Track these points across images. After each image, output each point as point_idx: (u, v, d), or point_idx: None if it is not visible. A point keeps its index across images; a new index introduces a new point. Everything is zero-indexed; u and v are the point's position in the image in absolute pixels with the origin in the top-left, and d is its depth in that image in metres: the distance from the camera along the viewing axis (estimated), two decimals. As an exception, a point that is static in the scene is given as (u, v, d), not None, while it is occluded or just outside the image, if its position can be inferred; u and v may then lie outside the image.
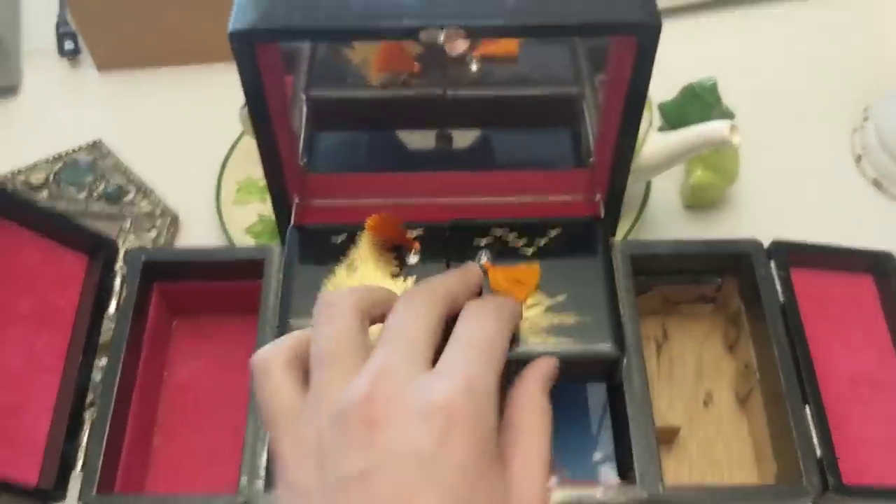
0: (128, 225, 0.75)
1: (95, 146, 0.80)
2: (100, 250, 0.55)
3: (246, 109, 0.72)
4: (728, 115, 0.75)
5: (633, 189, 0.73)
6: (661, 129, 0.77)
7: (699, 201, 0.76)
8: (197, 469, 0.54)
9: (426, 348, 0.36)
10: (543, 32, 0.44)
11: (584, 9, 0.41)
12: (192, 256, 0.57)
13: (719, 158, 0.73)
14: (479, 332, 0.37)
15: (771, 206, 0.76)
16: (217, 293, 0.58)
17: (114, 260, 0.55)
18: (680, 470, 0.55)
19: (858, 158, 0.78)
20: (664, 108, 0.78)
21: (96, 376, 0.53)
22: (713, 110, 0.75)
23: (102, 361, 0.53)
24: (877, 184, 0.76)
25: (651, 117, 0.70)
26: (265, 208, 0.76)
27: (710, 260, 0.56)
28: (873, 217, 0.75)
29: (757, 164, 0.77)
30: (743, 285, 0.57)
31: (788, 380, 0.51)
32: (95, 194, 0.77)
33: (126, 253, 0.55)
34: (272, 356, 0.38)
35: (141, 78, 0.85)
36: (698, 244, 0.56)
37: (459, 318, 0.39)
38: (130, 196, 0.77)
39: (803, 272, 0.56)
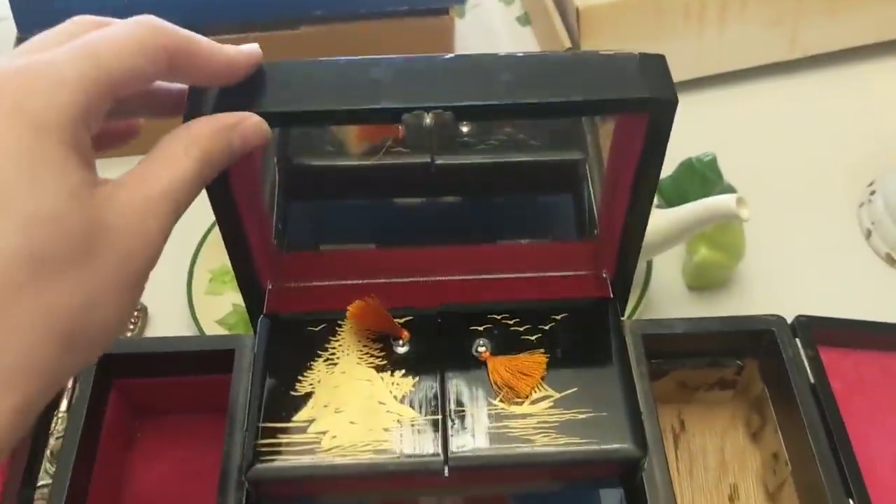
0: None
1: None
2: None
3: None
4: (730, 191, 0.71)
5: (636, 269, 0.68)
6: (657, 207, 0.73)
7: (704, 282, 0.71)
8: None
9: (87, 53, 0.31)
10: (547, 112, 0.39)
11: (590, 84, 0.37)
12: (154, 348, 0.51)
13: (724, 236, 0.69)
14: (101, 32, 0.32)
15: (779, 286, 0.71)
16: (184, 389, 0.52)
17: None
18: (710, 577, 0.48)
19: (868, 233, 0.74)
20: (661, 186, 0.74)
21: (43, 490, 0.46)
22: (714, 187, 0.71)
23: (51, 471, 0.46)
24: (889, 259, 0.72)
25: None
26: (239, 298, 0.70)
27: (729, 339, 0.51)
28: (888, 293, 0.71)
29: (762, 242, 0.73)
30: (766, 367, 0.51)
31: (827, 470, 0.45)
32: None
33: None
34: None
35: (106, 164, 0.81)
36: (716, 321, 0.51)
37: None
38: (95, 288, 0.72)
39: (831, 351, 0.51)
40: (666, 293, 0.72)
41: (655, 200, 0.73)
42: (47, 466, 0.47)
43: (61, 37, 0.32)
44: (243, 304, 0.69)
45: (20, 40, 0.78)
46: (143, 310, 0.70)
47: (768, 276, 0.72)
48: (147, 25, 0.32)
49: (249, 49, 0.37)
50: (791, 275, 0.72)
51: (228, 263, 0.71)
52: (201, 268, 0.71)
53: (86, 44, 0.31)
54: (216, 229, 0.72)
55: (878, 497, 0.45)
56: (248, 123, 0.35)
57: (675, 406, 0.55)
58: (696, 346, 0.51)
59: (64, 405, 0.48)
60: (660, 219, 0.63)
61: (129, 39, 0.31)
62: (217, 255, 0.72)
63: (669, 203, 0.72)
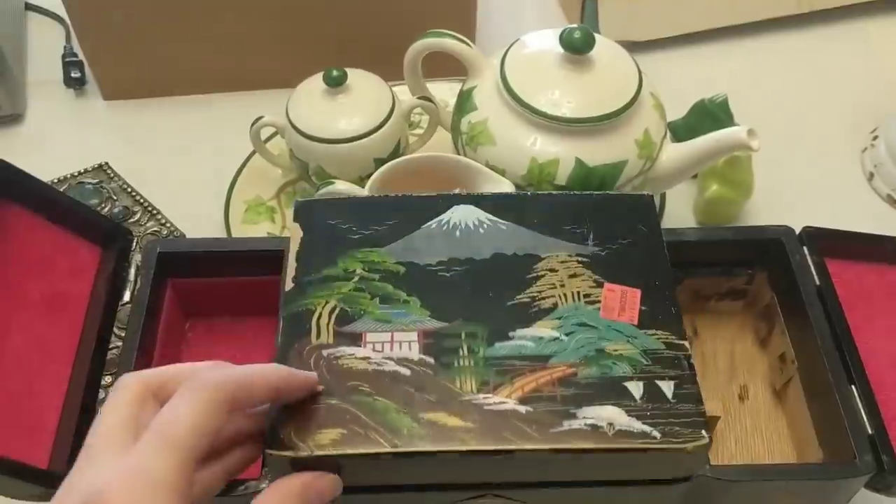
0: (133, 245, 0.73)
1: (101, 169, 0.79)
2: (115, 241, 0.53)
3: (260, 125, 0.73)
4: (740, 131, 0.75)
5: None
6: (672, 146, 0.77)
7: (714, 218, 0.75)
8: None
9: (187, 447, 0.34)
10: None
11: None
12: (208, 247, 0.55)
13: (734, 172, 0.73)
14: (167, 413, 0.35)
15: (785, 223, 0.75)
16: (233, 290, 0.56)
17: (129, 251, 0.54)
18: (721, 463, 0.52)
19: (871, 176, 0.78)
20: (674, 127, 0.78)
21: (110, 367, 0.50)
22: (725, 127, 0.75)
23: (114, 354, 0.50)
24: (890, 199, 0.76)
25: (665, 127, 0.70)
26: (274, 227, 0.74)
27: (740, 248, 0.55)
28: (889, 232, 0.74)
29: (770, 181, 0.76)
30: (774, 275, 0.55)
31: (832, 361, 0.49)
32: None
33: (142, 243, 0.53)
34: (128, 382, 0.37)
35: (147, 106, 0.85)
36: (727, 230, 0.55)
37: None
38: (137, 216, 0.76)
39: (836, 262, 0.55)
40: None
41: (670, 136, 0.77)
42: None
43: (128, 424, 0.35)
44: (277, 234, 0.73)
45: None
46: (182, 237, 0.74)
47: (775, 214, 0.76)
48: (205, 389, 0.35)
49: (306, 376, 0.41)
50: (797, 214, 0.75)
51: (263, 195, 0.77)
52: (237, 199, 0.75)
53: (162, 435, 0.34)
54: (250, 163, 0.77)
55: (877, 387, 0.49)
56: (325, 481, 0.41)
57: (688, 315, 0.58)
58: (709, 255, 0.55)
59: (126, 296, 0.52)
60: (674, 152, 0.67)
61: (196, 415, 0.34)
62: (252, 187, 0.76)
63: (682, 144, 0.76)
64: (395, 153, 0.71)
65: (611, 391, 0.43)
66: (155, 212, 0.76)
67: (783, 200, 0.76)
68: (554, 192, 0.51)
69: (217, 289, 0.56)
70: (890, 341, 0.54)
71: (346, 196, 0.54)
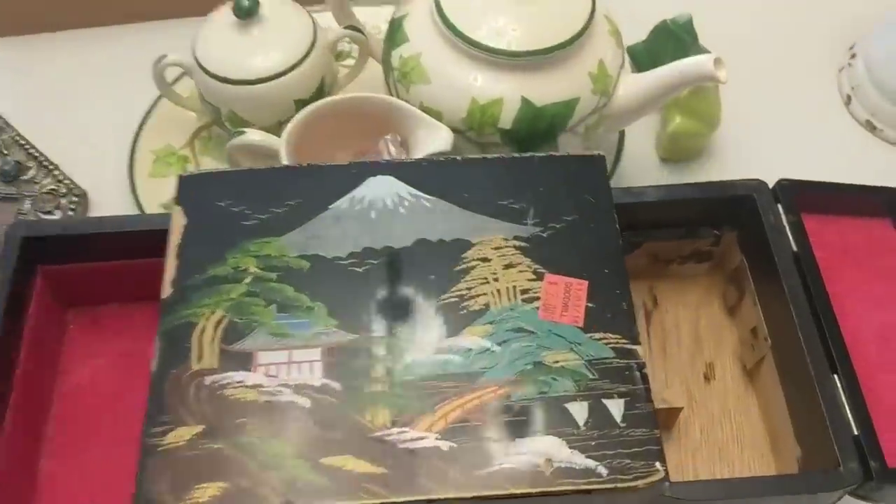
0: (27, 206, 0.65)
1: (-12, 120, 0.69)
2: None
3: (162, 65, 0.64)
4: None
5: (606, 139, 0.65)
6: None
7: (678, 153, 0.67)
8: (97, 494, 0.44)
9: None
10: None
11: None
12: (85, 229, 0.46)
13: (699, 103, 0.65)
14: None
15: (756, 156, 0.68)
16: (122, 275, 0.48)
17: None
18: (684, 461, 0.46)
19: (848, 99, 0.70)
20: (633, 52, 0.69)
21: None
22: (689, 51, 0.66)
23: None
24: (869, 125, 0.69)
25: (623, 56, 0.61)
26: (186, 181, 0.66)
27: (705, 207, 0.48)
28: (867, 160, 0.68)
29: (738, 109, 0.68)
30: (745, 235, 0.48)
31: (810, 344, 0.42)
32: (-11, 173, 0.66)
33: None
34: None
35: (38, 43, 0.74)
36: (691, 188, 0.47)
37: None
38: (31, 173, 0.67)
39: (815, 218, 0.48)
40: (638, 167, 0.68)
41: (628, 66, 0.69)
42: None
43: None
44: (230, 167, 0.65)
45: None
46: (83, 195, 0.65)
47: (745, 145, 0.68)
48: None
49: None
50: (769, 144, 0.68)
51: (174, 143, 0.68)
52: (144, 148, 0.66)
53: None
54: (157, 109, 0.68)
55: (863, 370, 0.43)
56: None
57: (646, 281, 0.51)
58: (670, 215, 0.48)
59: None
60: (632, 84, 0.58)
61: None
62: (161, 133, 0.67)
63: (642, 70, 0.67)
64: (320, 93, 0.62)
65: (550, 416, 0.36)
66: (52, 167, 0.66)
67: (752, 132, 0.68)
68: (489, 157, 0.43)
69: (98, 274, 0.48)
70: (878, 310, 0.47)
71: (243, 168, 0.45)
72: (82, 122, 0.69)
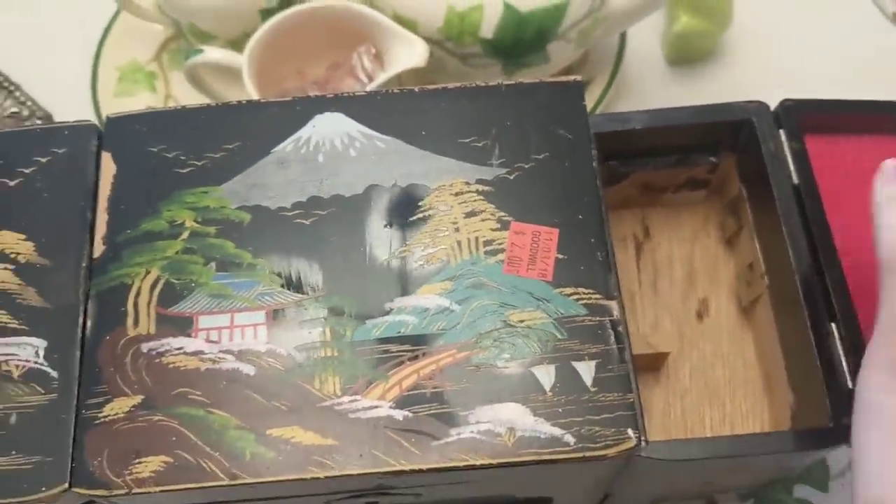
0: (-11, 131, 0.61)
1: (-58, 36, 0.65)
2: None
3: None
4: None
5: (604, 44, 0.59)
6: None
7: (685, 54, 0.62)
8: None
9: None
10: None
11: None
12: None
13: (708, -1, 0.59)
14: None
15: (772, 58, 0.62)
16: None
17: None
18: (671, 403, 0.43)
19: (879, -13, 0.63)
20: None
21: None
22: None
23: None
24: (898, 18, 0.62)
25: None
26: (156, 99, 0.62)
27: (701, 132, 0.43)
28: (892, 58, 0.62)
29: (751, 4, 0.62)
30: (744, 162, 0.44)
31: (807, 288, 0.39)
32: (-53, 97, 0.63)
33: None
34: None
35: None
36: (685, 112, 0.42)
37: None
38: (-9, 95, 0.63)
39: (821, 140, 0.43)
40: (642, 70, 0.63)
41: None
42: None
43: None
44: (159, 107, 0.61)
45: None
46: (46, 117, 0.62)
47: (759, 46, 0.63)
48: None
49: None
50: (785, 44, 0.62)
51: (139, 57, 0.63)
52: (108, 65, 0.62)
53: None
54: (118, 21, 0.63)
55: (865, 313, 0.39)
56: None
57: (637, 210, 0.47)
58: (662, 141, 0.43)
59: None
60: (633, -20, 0.53)
61: None
62: (125, 48, 0.63)
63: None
64: (287, 1, 0.57)
65: (512, 381, 0.33)
66: (12, 88, 0.63)
67: (765, 30, 0.63)
68: (449, 87, 0.39)
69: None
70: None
71: (175, 108, 0.40)
72: (44, 37, 0.65)
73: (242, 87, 0.51)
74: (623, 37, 0.60)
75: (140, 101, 0.62)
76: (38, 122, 0.61)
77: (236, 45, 0.56)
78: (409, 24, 0.52)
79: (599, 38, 0.56)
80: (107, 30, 0.63)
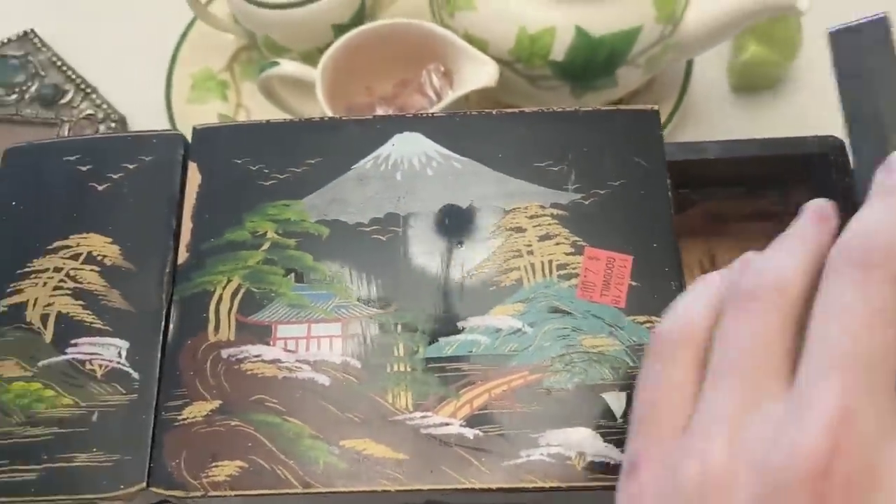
0: (66, 131, 0.63)
1: (26, 38, 0.67)
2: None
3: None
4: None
5: (670, 69, 0.60)
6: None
7: (752, 83, 0.62)
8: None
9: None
10: None
11: None
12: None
13: (777, 29, 0.59)
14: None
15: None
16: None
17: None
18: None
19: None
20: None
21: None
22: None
23: None
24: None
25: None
26: (227, 108, 0.63)
27: (771, 164, 0.43)
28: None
29: (822, 35, 0.62)
30: (815, 197, 0.44)
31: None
32: (27, 96, 0.65)
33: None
34: (682, 336, 0.27)
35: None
36: (756, 144, 0.43)
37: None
38: (69, 97, 0.65)
39: None
40: (708, 97, 0.63)
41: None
42: None
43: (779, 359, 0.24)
44: (229, 114, 0.63)
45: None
46: (121, 120, 0.64)
47: (825, 76, 0.62)
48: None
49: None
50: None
51: (213, 66, 0.65)
52: (182, 72, 0.64)
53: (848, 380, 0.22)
54: (193, 29, 0.64)
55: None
56: None
57: (703, 239, 0.48)
58: (732, 171, 0.44)
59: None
60: (706, 9, 0.53)
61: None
62: (200, 56, 0.64)
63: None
64: (359, 18, 0.58)
65: (584, 406, 0.33)
66: (89, 91, 0.65)
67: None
68: (527, 111, 0.39)
69: None
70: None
71: (259, 122, 0.41)
72: (122, 42, 0.67)
73: (313, 100, 0.52)
74: (689, 63, 0.60)
75: (212, 108, 0.63)
76: (113, 124, 0.63)
77: (307, 58, 0.58)
78: (480, 45, 0.53)
79: (668, 64, 0.56)
80: (182, 37, 0.65)
